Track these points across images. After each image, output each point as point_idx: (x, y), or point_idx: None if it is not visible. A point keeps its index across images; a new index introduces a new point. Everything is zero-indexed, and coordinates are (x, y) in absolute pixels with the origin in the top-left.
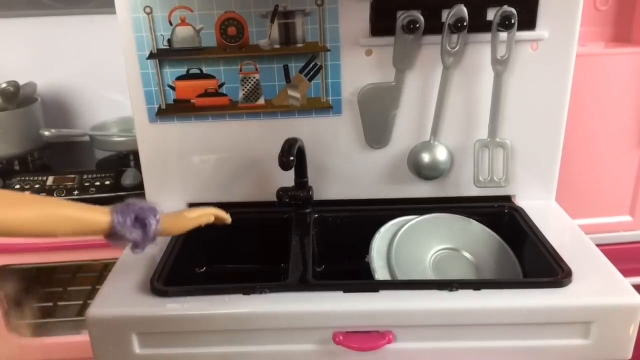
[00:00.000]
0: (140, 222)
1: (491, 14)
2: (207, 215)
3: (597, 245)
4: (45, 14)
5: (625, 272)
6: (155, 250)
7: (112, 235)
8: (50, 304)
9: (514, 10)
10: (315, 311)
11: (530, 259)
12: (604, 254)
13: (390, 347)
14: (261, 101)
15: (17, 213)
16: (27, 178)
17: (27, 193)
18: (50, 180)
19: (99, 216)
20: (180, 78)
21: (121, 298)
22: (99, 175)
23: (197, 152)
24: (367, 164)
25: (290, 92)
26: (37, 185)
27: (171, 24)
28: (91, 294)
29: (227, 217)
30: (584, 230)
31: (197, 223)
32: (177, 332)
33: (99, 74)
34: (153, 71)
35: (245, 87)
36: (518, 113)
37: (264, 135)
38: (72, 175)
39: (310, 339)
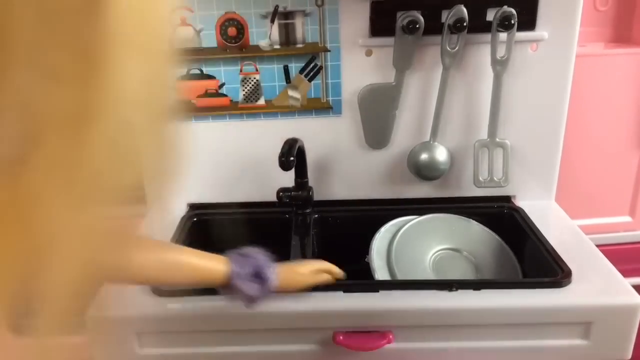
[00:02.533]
0: (258, 275)
1: (491, 15)
2: (323, 274)
3: (597, 245)
4: None
5: (625, 273)
6: None
7: (228, 288)
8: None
9: (513, 11)
10: (315, 311)
11: (530, 259)
12: (604, 255)
13: (390, 347)
14: (261, 102)
15: (142, 258)
16: None
17: (146, 237)
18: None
19: (217, 265)
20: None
21: (121, 298)
22: None
23: (197, 153)
24: (367, 164)
25: (291, 93)
26: None
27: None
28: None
29: (341, 273)
30: (584, 230)
31: (313, 281)
32: (177, 332)
33: None
34: None
35: (246, 88)
36: (518, 113)
37: (264, 136)
38: None
39: (311, 339)
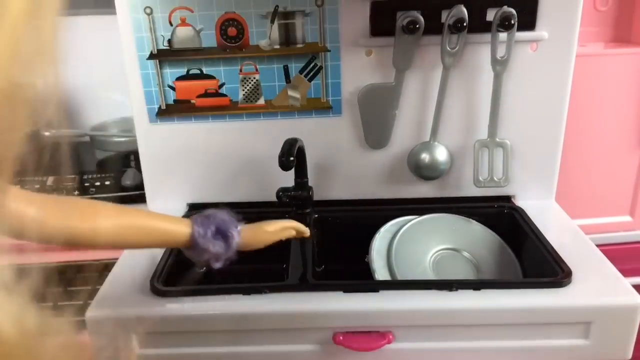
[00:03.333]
0: (222, 234)
1: (491, 15)
2: (288, 230)
3: (597, 245)
4: None
5: (625, 272)
6: (155, 249)
7: (194, 248)
8: (51, 304)
9: (513, 11)
10: (315, 311)
11: (530, 259)
12: (604, 254)
13: (390, 347)
14: (261, 101)
15: (97, 223)
16: (27, 178)
17: (109, 203)
18: (50, 180)
19: (180, 227)
20: (180, 78)
21: (121, 298)
22: (99, 175)
23: (197, 153)
24: (367, 164)
25: (290, 93)
26: (37, 186)
27: (171, 25)
28: (92, 294)
29: (306, 231)
30: (584, 230)
31: (278, 237)
32: (177, 332)
33: (99, 73)
34: (153, 71)
35: (246, 88)
36: (518, 113)
37: (264, 136)
38: (73, 176)
39: (310, 339)
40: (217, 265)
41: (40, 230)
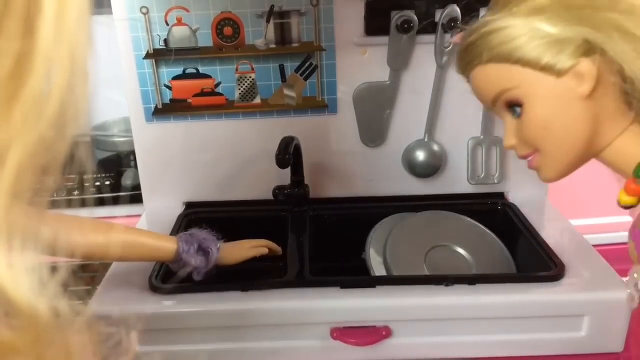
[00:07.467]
0: (203, 250)
1: (483, 14)
2: (262, 248)
3: (597, 245)
4: None
5: (625, 273)
6: None
7: (177, 262)
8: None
9: None
10: (312, 307)
11: (523, 255)
12: (603, 255)
13: (387, 342)
14: (257, 100)
15: (109, 239)
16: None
17: (103, 220)
18: (50, 180)
19: (167, 244)
20: (176, 78)
21: (119, 296)
22: (99, 175)
23: (193, 151)
24: (362, 162)
25: (286, 91)
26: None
27: (167, 24)
28: (91, 294)
29: (278, 249)
30: (582, 230)
31: (253, 254)
32: (176, 329)
33: (99, 73)
34: (149, 71)
35: (241, 87)
36: None
37: (260, 134)
38: (72, 175)
39: (308, 334)
40: (198, 277)
41: (68, 247)
